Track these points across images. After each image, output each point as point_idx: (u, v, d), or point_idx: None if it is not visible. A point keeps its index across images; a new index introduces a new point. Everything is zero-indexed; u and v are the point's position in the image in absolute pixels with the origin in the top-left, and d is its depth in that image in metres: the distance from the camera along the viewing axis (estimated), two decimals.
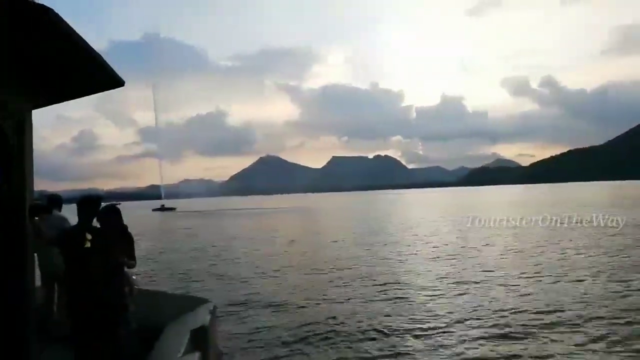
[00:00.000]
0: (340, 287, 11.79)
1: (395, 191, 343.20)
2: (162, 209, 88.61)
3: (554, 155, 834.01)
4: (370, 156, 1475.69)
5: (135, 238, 4.18)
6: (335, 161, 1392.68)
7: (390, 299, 10.24)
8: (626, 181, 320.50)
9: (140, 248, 18.20)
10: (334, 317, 8.84)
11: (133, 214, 63.59)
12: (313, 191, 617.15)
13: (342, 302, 10.10)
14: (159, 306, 4.91)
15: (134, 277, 4.36)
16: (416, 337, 7.66)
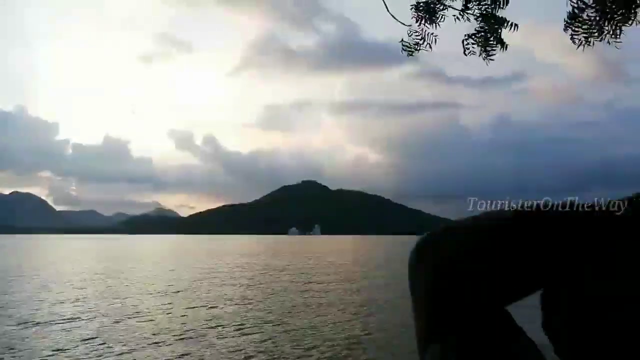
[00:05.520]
0: None
1: (32, 236, 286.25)
2: None
3: (210, 208, 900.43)
4: (7, 192, 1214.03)
5: None
6: None
7: None
8: (256, 235, 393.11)
9: None
10: None
11: None
12: None
13: None
14: None
15: None
16: None
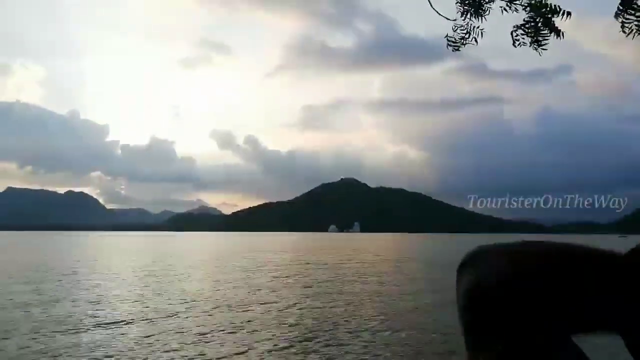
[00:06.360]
0: None
1: (84, 233, 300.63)
2: None
3: (251, 206, 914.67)
4: (61, 191, 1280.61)
5: None
6: (11, 193, 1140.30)
7: None
8: (297, 232, 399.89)
9: None
10: None
11: None
12: None
13: None
14: None
15: None
16: None
